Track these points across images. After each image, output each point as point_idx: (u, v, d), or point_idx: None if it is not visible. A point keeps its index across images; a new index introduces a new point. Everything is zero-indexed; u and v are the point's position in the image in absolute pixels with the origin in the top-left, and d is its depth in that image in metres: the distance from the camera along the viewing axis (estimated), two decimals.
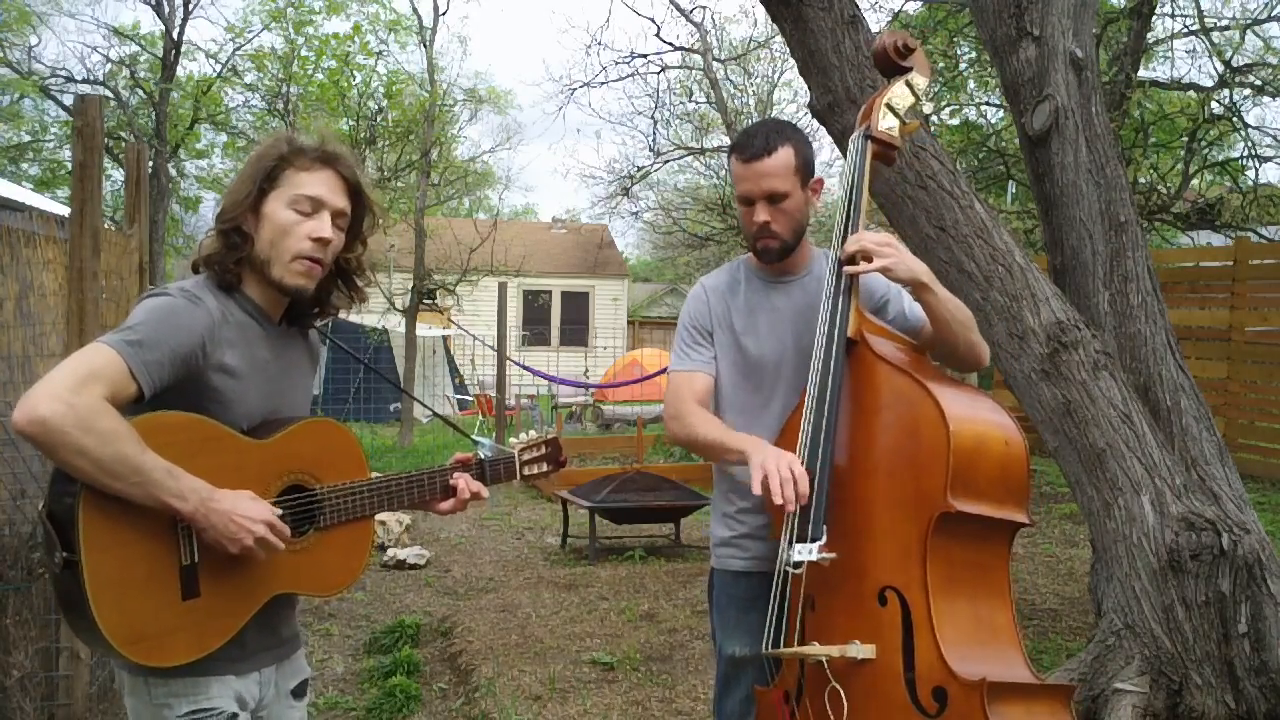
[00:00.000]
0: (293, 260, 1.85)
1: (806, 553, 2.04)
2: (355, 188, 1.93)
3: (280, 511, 1.78)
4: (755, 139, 2.32)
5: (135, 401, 1.67)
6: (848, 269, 2.19)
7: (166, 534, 1.70)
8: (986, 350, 2.35)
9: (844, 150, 3.64)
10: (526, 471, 2.28)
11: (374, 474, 2.00)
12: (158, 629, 1.68)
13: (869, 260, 2.15)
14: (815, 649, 2.05)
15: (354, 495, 1.93)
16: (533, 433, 2.34)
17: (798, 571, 2.08)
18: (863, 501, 2.09)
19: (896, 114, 2.30)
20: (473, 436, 2.29)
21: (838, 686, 2.02)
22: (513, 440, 2.31)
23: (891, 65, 2.35)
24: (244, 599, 1.80)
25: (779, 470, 2.03)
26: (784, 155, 2.29)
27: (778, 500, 2.02)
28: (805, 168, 2.33)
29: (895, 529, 2.02)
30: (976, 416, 2.05)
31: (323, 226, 1.87)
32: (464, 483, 2.10)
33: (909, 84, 2.32)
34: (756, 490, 2.03)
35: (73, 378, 1.59)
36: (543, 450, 2.30)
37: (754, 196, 2.32)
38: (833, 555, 2.03)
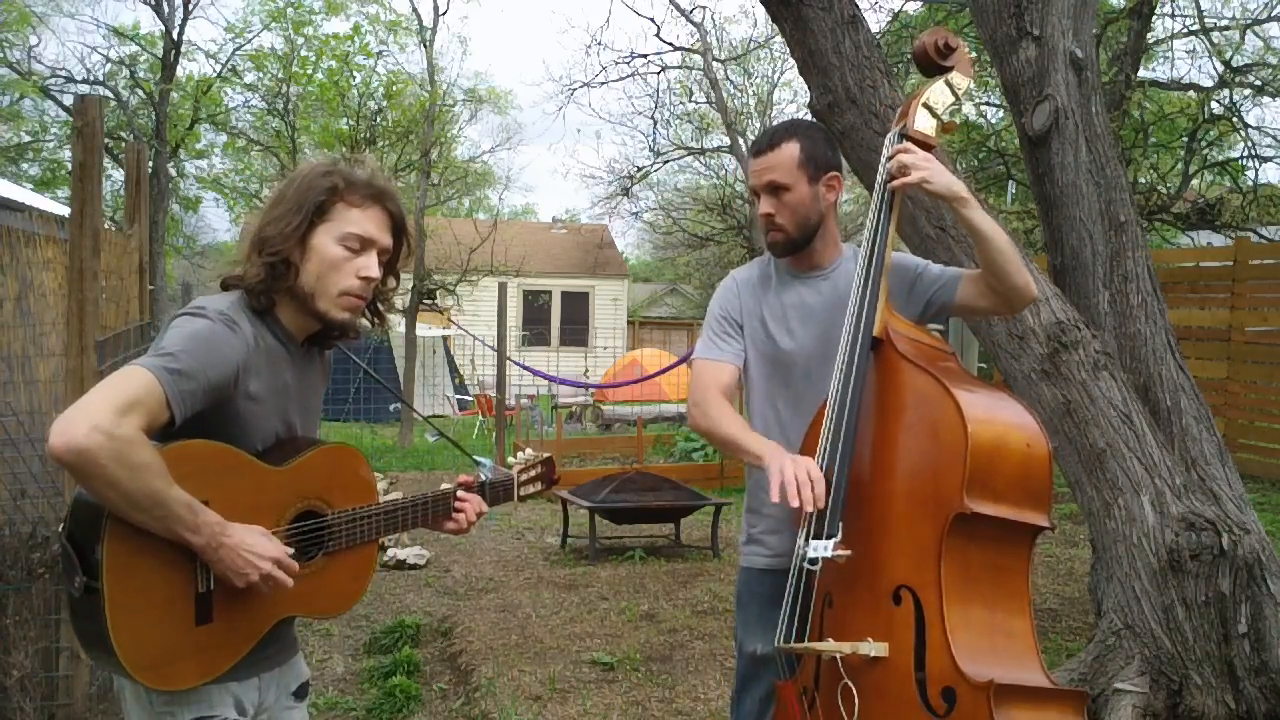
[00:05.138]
0: (340, 296, 1.87)
1: (822, 549, 2.04)
2: (400, 224, 1.94)
3: (291, 550, 1.80)
4: (765, 135, 2.41)
5: (164, 428, 1.67)
6: (890, 185, 2.21)
7: (184, 562, 1.71)
8: (1032, 281, 2.34)
9: (844, 150, 3.66)
10: (524, 492, 2.34)
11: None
12: (170, 655, 1.70)
13: (906, 174, 2.16)
14: (829, 645, 2.06)
15: (363, 520, 1.96)
16: (530, 451, 2.42)
17: (814, 568, 2.08)
18: (881, 500, 2.09)
19: (935, 114, 2.27)
20: (474, 457, 2.33)
21: (850, 683, 2.02)
22: (511, 460, 2.38)
23: (932, 64, 2.32)
24: (252, 625, 1.82)
25: (795, 475, 2.04)
26: (788, 149, 2.32)
27: (794, 502, 2.02)
28: (811, 162, 2.34)
29: (912, 529, 2.02)
30: (997, 418, 2.04)
31: (371, 265, 1.88)
32: (469, 506, 2.14)
33: (949, 84, 2.29)
34: (775, 498, 2.04)
35: (113, 405, 1.57)
36: (538, 470, 2.38)
37: (757, 189, 2.38)
38: (848, 552, 2.03)
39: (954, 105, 2.31)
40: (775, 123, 2.56)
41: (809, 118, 3.79)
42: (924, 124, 2.27)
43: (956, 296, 2.39)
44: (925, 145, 2.25)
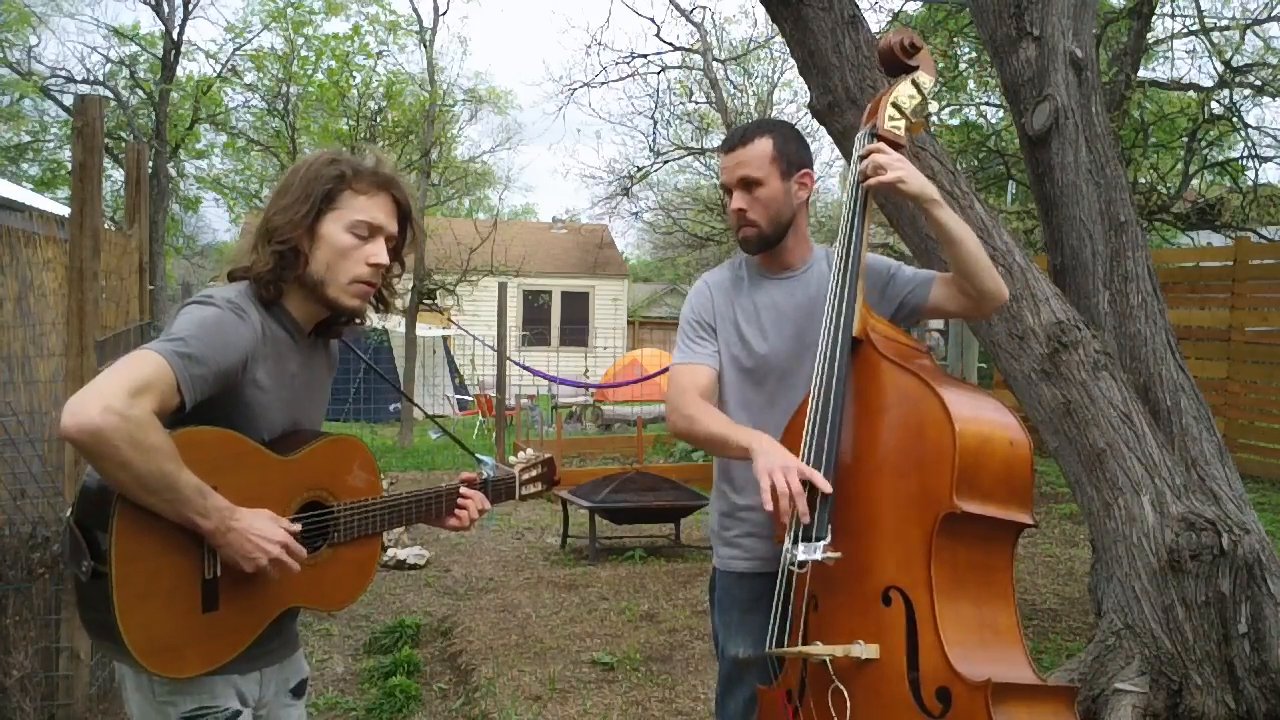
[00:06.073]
0: (350, 284, 1.88)
1: (811, 552, 2.03)
2: (406, 211, 1.95)
3: (298, 528, 1.80)
4: (736, 131, 2.41)
5: (174, 413, 1.67)
6: (865, 184, 2.20)
7: (192, 548, 1.71)
8: (1003, 285, 2.33)
9: (844, 150, 3.66)
10: (525, 491, 2.35)
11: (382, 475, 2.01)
12: (176, 641, 1.70)
13: (881, 174, 2.16)
14: (819, 648, 2.05)
15: (367, 513, 1.97)
16: (531, 451, 2.42)
17: (802, 571, 2.07)
18: (867, 501, 2.09)
19: (903, 113, 2.28)
20: (476, 455, 2.33)
21: (840, 686, 2.01)
22: (512, 459, 2.38)
23: (897, 64, 2.33)
24: (257, 613, 1.82)
25: (786, 484, 2.02)
26: (760, 145, 2.33)
27: (785, 518, 2.01)
28: (784, 158, 2.34)
29: (900, 529, 2.02)
30: (981, 416, 2.04)
31: (379, 252, 1.89)
32: (472, 503, 2.16)
33: (915, 83, 2.30)
34: (767, 505, 2.03)
35: (126, 387, 1.57)
36: (540, 470, 2.39)
37: (730, 184, 2.37)
38: (838, 554, 2.02)
39: (920, 104, 2.31)
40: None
41: (805, 118, 3.79)
42: (893, 123, 2.27)
43: (929, 299, 2.40)
44: (895, 145, 2.25)
